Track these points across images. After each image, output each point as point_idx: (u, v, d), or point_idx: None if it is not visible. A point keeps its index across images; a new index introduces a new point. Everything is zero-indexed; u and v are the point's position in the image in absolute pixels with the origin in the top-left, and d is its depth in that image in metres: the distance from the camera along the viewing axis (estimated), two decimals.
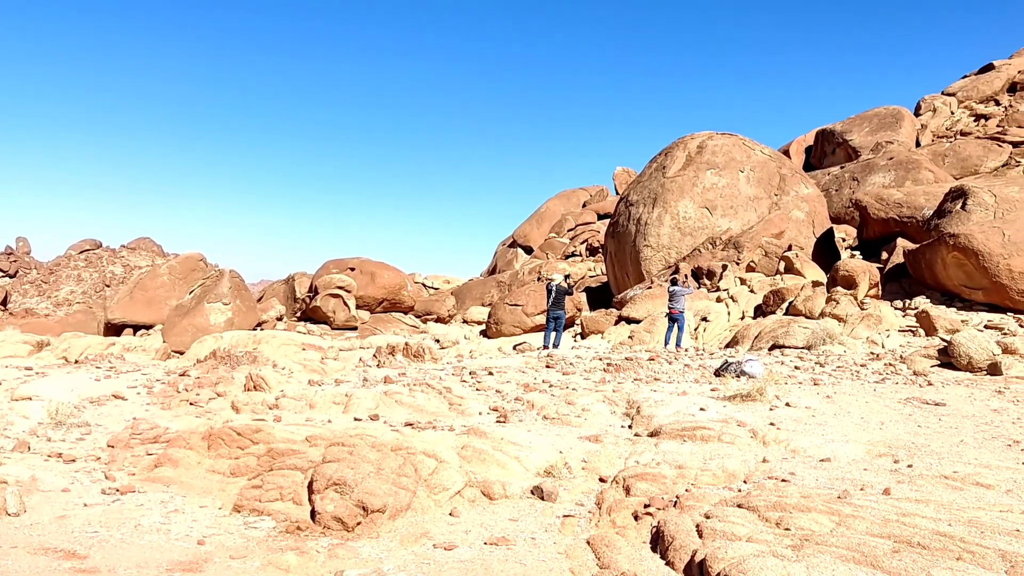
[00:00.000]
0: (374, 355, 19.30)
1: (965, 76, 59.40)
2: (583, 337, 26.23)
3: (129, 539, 6.69)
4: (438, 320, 42.42)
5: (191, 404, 13.19)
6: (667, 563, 5.93)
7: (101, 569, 5.91)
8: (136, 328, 41.41)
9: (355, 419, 10.91)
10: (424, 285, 53.69)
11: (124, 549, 6.42)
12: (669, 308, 20.99)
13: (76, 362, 20.67)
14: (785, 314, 22.74)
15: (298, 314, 42.45)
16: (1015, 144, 44.01)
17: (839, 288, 23.18)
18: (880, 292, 24.63)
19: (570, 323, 29.69)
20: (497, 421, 10.84)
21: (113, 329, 41.44)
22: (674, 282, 21.70)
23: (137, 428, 10.48)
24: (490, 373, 14.84)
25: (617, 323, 26.12)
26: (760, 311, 24.40)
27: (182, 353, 28.65)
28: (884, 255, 29.93)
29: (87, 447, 10.04)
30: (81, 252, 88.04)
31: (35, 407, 11.86)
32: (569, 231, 58.36)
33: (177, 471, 8.73)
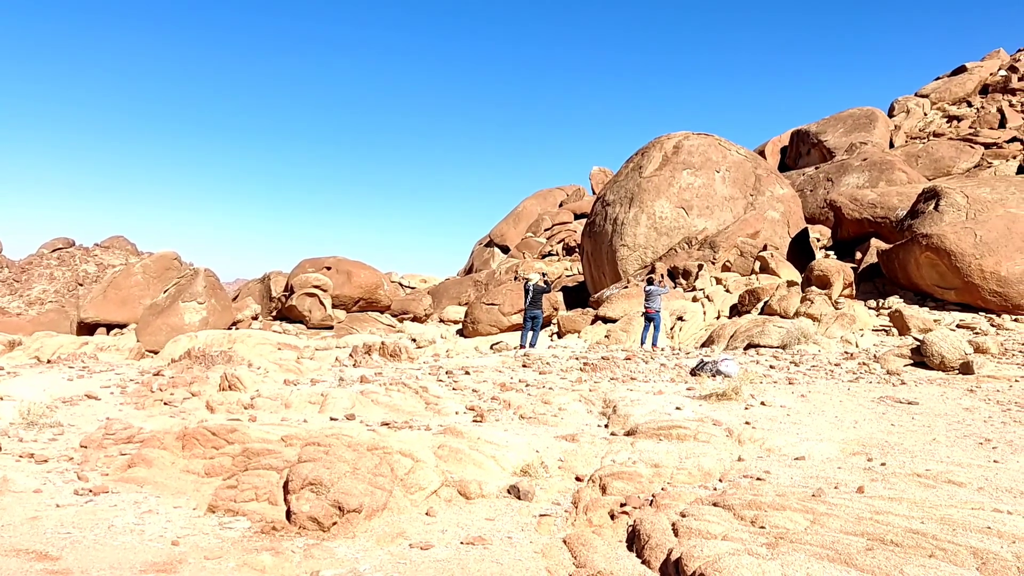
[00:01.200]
0: (350, 354, 19.23)
1: (938, 78, 60.03)
2: (560, 336, 26.27)
3: (102, 540, 6.63)
4: (414, 319, 42.33)
5: (165, 404, 13.09)
6: (643, 562, 5.95)
7: (74, 570, 5.85)
8: (109, 327, 41.03)
9: (331, 419, 10.87)
10: (400, 284, 53.57)
11: (97, 550, 6.36)
12: (645, 307, 21.06)
13: (48, 362, 20.46)
14: (760, 313, 22.88)
15: (274, 313, 42.24)
16: (987, 145, 44.52)
17: (814, 288, 23.34)
18: (854, 292, 24.83)
19: (547, 322, 29.71)
20: (474, 420, 10.84)
21: (86, 328, 41.04)
22: (650, 282, 21.78)
23: (110, 428, 10.38)
24: (467, 372, 14.83)
25: (594, 322, 26.19)
26: (735, 310, 24.53)
27: (156, 352, 28.41)
28: (858, 255, 30.19)
29: (60, 447, 9.94)
30: (54, 250, 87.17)
31: (6, 407, 11.72)
32: (546, 230, 58.47)
33: (151, 471, 8.66)
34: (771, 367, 15.50)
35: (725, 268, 28.47)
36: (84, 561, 6.07)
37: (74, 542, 6.52)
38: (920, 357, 15.15)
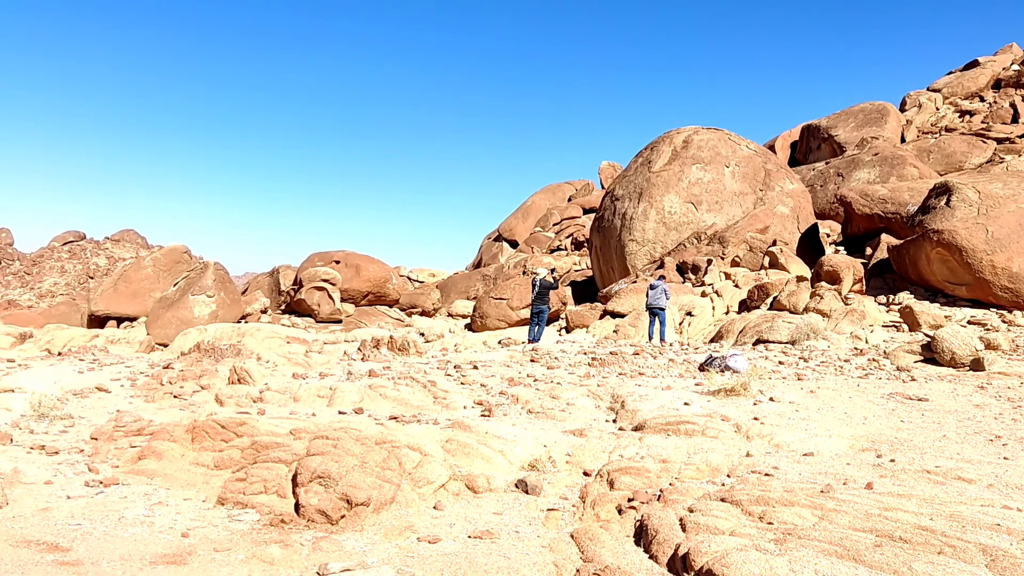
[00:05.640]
0: (359, 348, 19.26)
1: (950, 72, 59.73)
2: (568, 331, 26.27)
3: (112, 531, 6.66)
4: (423, 313, 42.38)
5: (175, 397, 13.14)
6: (650, 556, 5.95)
7: (84, 562, 5.88)
8: (120, 320, 41.19)
9: (339, 412, 10.89)
10: (409, 278, 53.64)
11: (108, 542, 6.39)
12: (647, 304, 21.19)
13: (59, 354, 20.55)
14: (769, 309, 22.84)
15: (283, 307, 42.35)
16: (999, 140, 44.30)
17: (823, 283, 23.29)
18: (864, 287, 24.76)
19: (555, 317, 29.70)
20: (482, 415, 10.85)
21: (97, 321, 41.23)
22: (661, 278, 21.88)
23: (120, 420, 10.43)
24: (475, 367, 14.84)
25: (602, 317, 26.17)
26: (744, 306, 24.49)
27: (166, 346, 28.54)
28: (868, 251, 30.11)
29: (70, 439, 9.98)
30: (65, 244, 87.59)
31: (17, 399, 11.77)
32: (555, 225, 58.43)
33: (161, 464, 8.69)
34: (780, 363, 15.48)
35: (734, 263, 28.41)
36: (94, 552, 6.11)
37: (84, 533, 6.55)
38: (930, 353, 15.11)
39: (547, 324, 23.62)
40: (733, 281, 26.76)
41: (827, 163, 44.61)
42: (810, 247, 31.68)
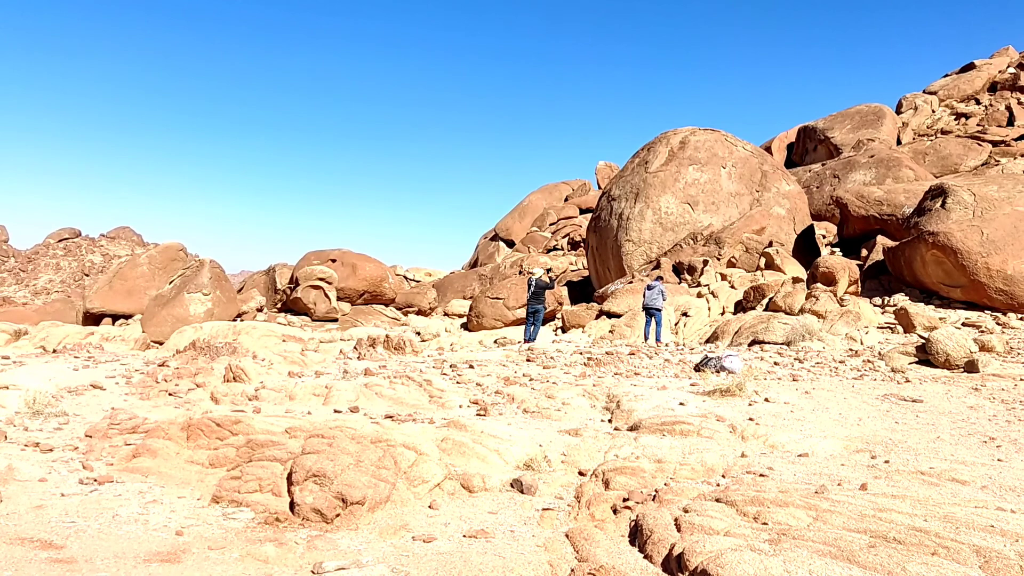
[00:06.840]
0: (355, 347, 19.25)
1: (946, 75, 59.87)
2: (564, 331, 26.26)
3: (107, 529, 6.64)
4: (419, 313, 42.33)
5: (170, 395, 13.11)
6: (645, 556, 5.95)
7: (78, 559, 5.86)
8: (115, 318, 41.08)
9: (335, 411, 10.88)
10: (405, 277, 53.62)
11: (102, 539, 6.38)
12: (644, 304, 21.23)
13: (54, 351, 20.51)
14: (765, 310, 22.86)
15: (279, 305, 42.29)
16: (995, 143, 44.40)
17: (819, 285, 23.31)
18: (860, 289, 24.80)
19: (551, 317, 29.70)
20: (477, 414, 10.85)
21: (92, 319, 41.13)
22: (659, 279, 21.89)
23: (115, 418, 10.41)
24: (471, 366, 14.84)
25: (598, 317, 26.18)
26: (740, 307, 24.52)
27: (161, 343, 28.50)
28: (864, 252, 30.15)
29: (65, 437, 9.96)
30: (60, 240, 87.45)
31: (12, 396, 11.74)
32: (551, 225, 58.43)
33: (156, 461, 8.68)
34: (775, 364, 15.49)
35: (730, 264, 28.44)
36: (88, 550, 6.09)
37: (79, 531, 6.54)
38: (925, 355, 15.14)
39: (543, 324, 23.64)
40: (729, 282, 26.78)
41: (823, 165, 44.67)
42: (806, 248, 31.72)
